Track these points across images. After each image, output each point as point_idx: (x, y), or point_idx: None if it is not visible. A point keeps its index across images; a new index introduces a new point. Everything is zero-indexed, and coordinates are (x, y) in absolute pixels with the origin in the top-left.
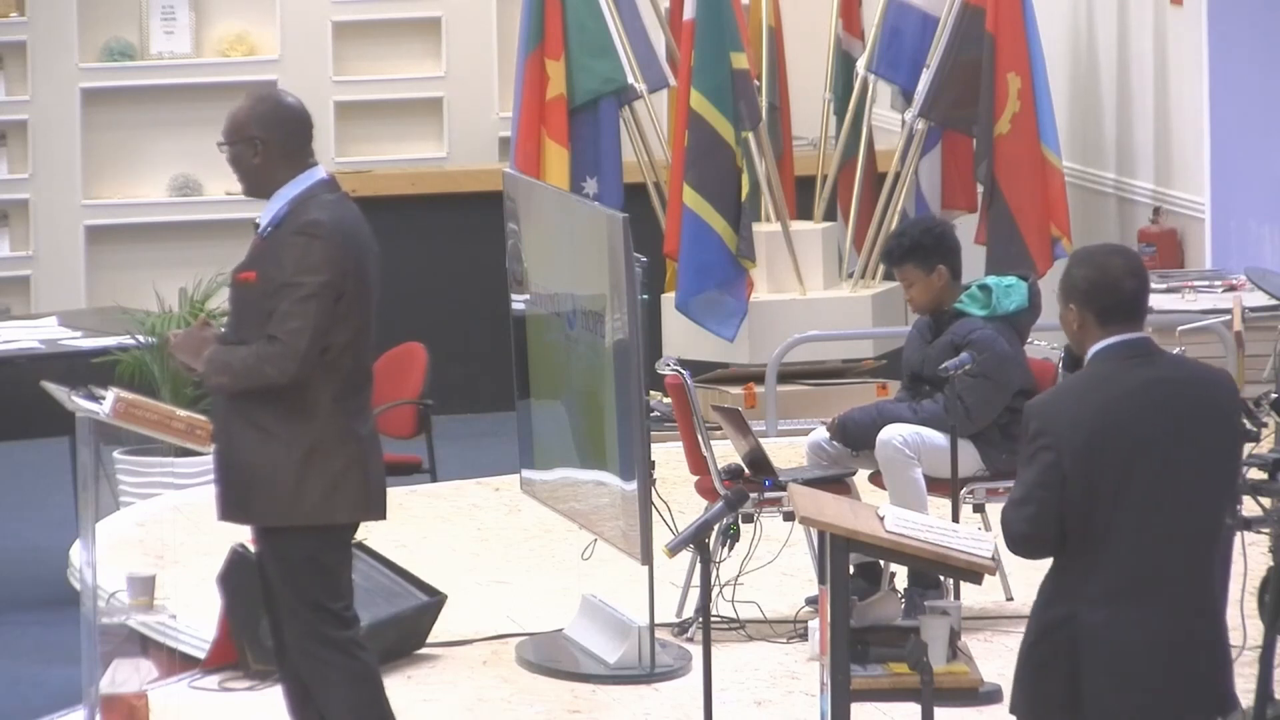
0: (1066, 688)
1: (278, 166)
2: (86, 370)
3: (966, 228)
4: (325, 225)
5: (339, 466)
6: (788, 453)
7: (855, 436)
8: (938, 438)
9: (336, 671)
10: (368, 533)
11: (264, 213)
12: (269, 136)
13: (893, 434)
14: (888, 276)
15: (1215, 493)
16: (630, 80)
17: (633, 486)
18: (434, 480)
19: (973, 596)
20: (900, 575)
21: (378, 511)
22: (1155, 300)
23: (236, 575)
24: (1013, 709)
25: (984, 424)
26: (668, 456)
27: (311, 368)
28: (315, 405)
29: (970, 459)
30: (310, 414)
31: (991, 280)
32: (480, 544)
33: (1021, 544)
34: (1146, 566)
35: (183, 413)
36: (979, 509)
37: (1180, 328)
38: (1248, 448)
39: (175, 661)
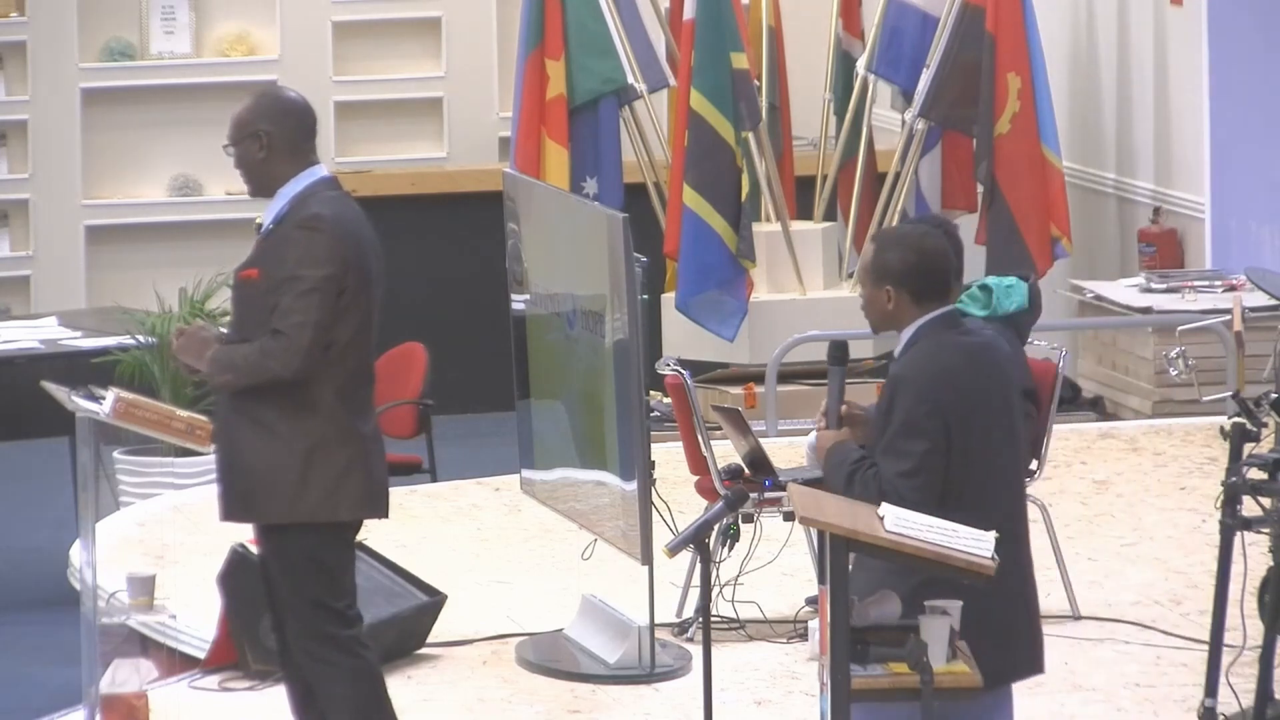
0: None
1: (283, 161)
2: (86, 370)
3: (966, 228)
4: (326, 219)
5: (341, 464)
6: (788, 453)
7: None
8: None
9: (338, 670)
10: (368, 533)
11: (266, 211)
12: (274, 129)
13: None
14: None
15: (1022, 444)
16: (630, 80)
17: (633, 486)
18: (434, 480)
19: None
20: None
21: (380, 509)
22: (1155, 300)
23: (236, 575)
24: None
25: None
26: (668, 456)
27: (315, 362)
28: (318, 402)
29: None
30: (312, 411)
31: (992, 280)
32: (480, 544)
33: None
34: (1006, 517)
35: (183, 413)
36: None
37: (1180, 328)
38: (1248, 448)
39: (175, 661)
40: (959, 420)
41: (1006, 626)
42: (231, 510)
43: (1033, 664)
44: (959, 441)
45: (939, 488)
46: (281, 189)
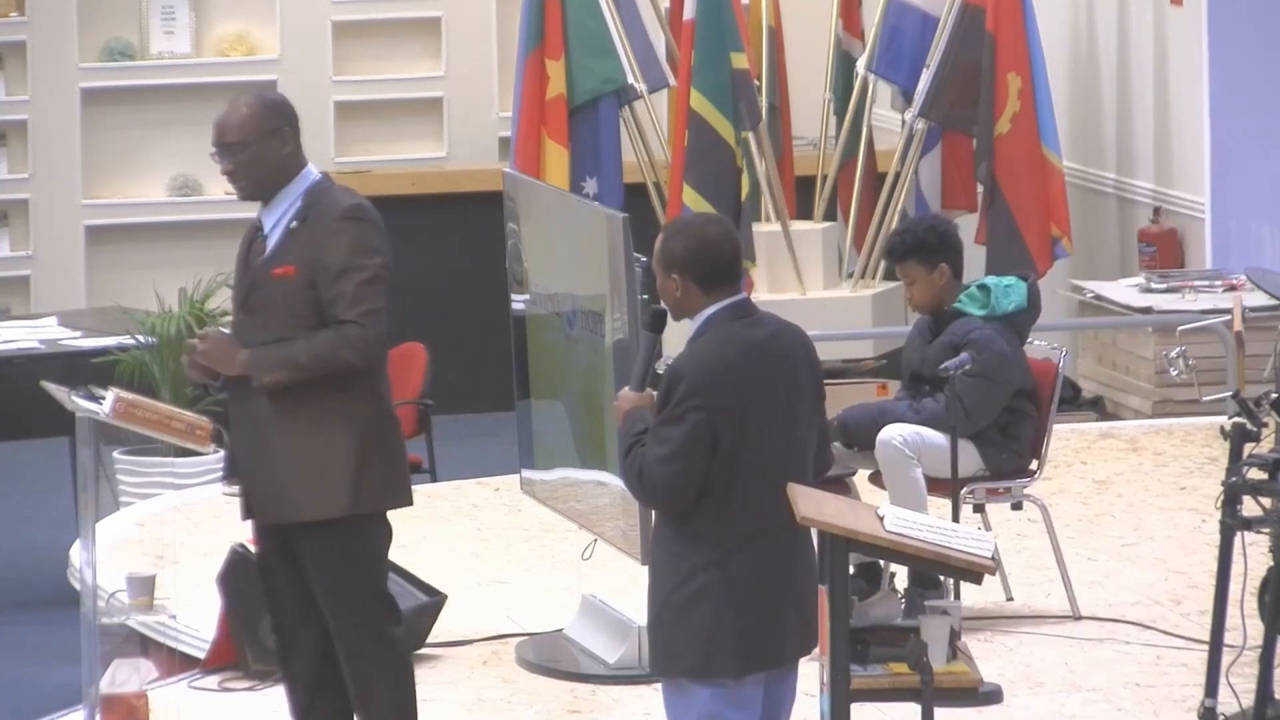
0: (711, 624)
1: (296, 158)
2: (86, 370)
3: (966, 228)
4: (369, 209)
5: (392, 450)
6: None
7: (855, 435)
8: (938, 438)
9: (388, 670)
10: None
11: (271, 210)
12: (289, 127)
13: (893, 434)
14: (888, 276)
15: (812, 437)
16: (630, 80)
17: None
18: (434, 480)
19: (973, 596)
20: (900, 575)
21: (410, 494)
22: (1155, 300)
23: (236, 575)
24: (665, 654)
25: (983, 424)
26: None
27: (383, 350)
28: (364, 392)
29: (970, 459)
30: (360, 401)
31: (991, 280)
32: (480, 544)
33: (664, 497)
34: (775, 509)
35: (183, 413)
36: (979, 509)
37: (1180, 328)
38: (1248, 448)
39: (175, 661)
40: (729, 415)
41: (772, 616)
42: (273, 509)
43: (801, 648)
44: (728, 435)
45: (696, 478)
46: (287, 187)
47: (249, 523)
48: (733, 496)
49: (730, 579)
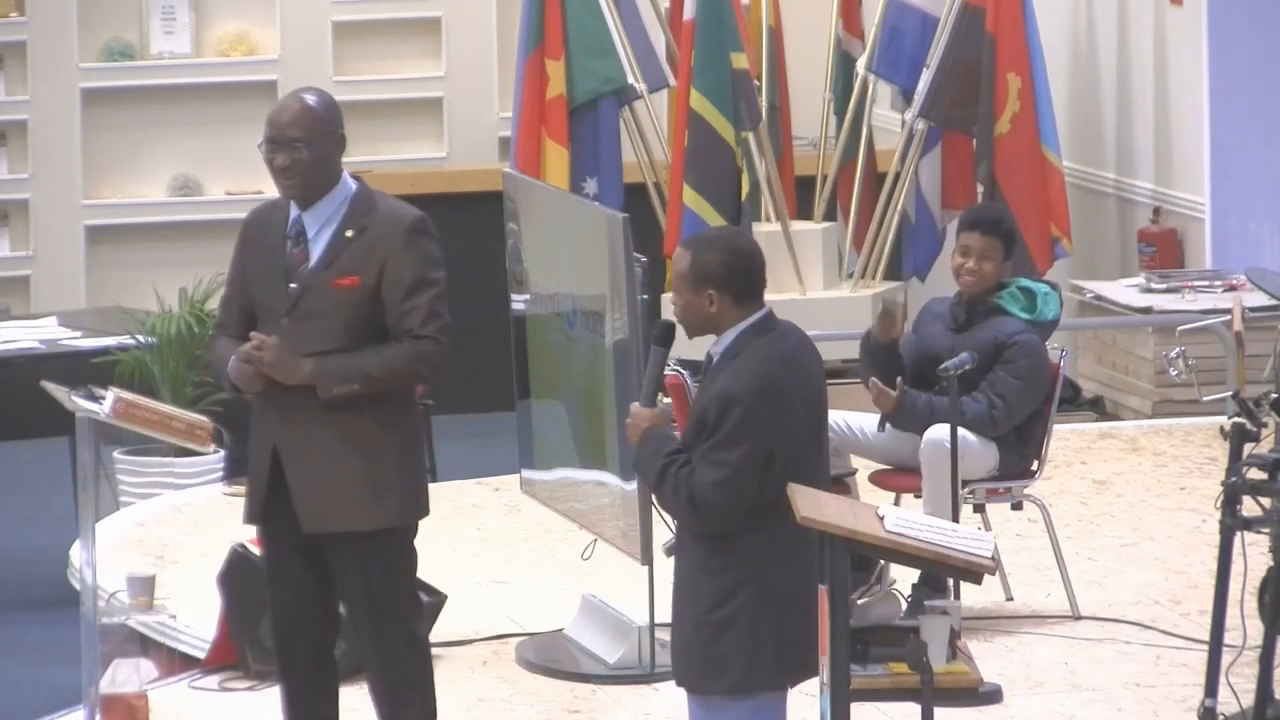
0: (754, 639)
1: (340, 160)
2: (86, 370)
3: None
4: (430, 222)
5: (425, 459)
6: None
7: (909, 420)
8: (975, 440)
9: (418, 672)
10: None
11: (313, 215)
12: (343, 129)
13: (943, 435)
14: (888, 276)
15: (826, 445)
16: (630, 80)
17: (633, 486)
18: (434, 480)
19: (973, 596)
20: (893, 570)
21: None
22: (1155, 300)
23: (236, 575)
24: (705, 673)
25: (1011, 427)
26: None
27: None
28: (407, 402)
29: (990, 460)
30: (406, 411)
31: (1027, 283)
32: (480, 544)
33: (720, 522)
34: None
35: (183, 413)
36: (979, 509)
37: (1180, 328)
38: (1248, 448)
39: (175, 661)
40: (782, 433)
41: (806, 624)
42: (328, 520)
43: (813, 667)
44: (780, 453)
45: (748, 499)
46: (331, 191)
47: (250, 525)
48: (777, 509)
49: (771, 591)
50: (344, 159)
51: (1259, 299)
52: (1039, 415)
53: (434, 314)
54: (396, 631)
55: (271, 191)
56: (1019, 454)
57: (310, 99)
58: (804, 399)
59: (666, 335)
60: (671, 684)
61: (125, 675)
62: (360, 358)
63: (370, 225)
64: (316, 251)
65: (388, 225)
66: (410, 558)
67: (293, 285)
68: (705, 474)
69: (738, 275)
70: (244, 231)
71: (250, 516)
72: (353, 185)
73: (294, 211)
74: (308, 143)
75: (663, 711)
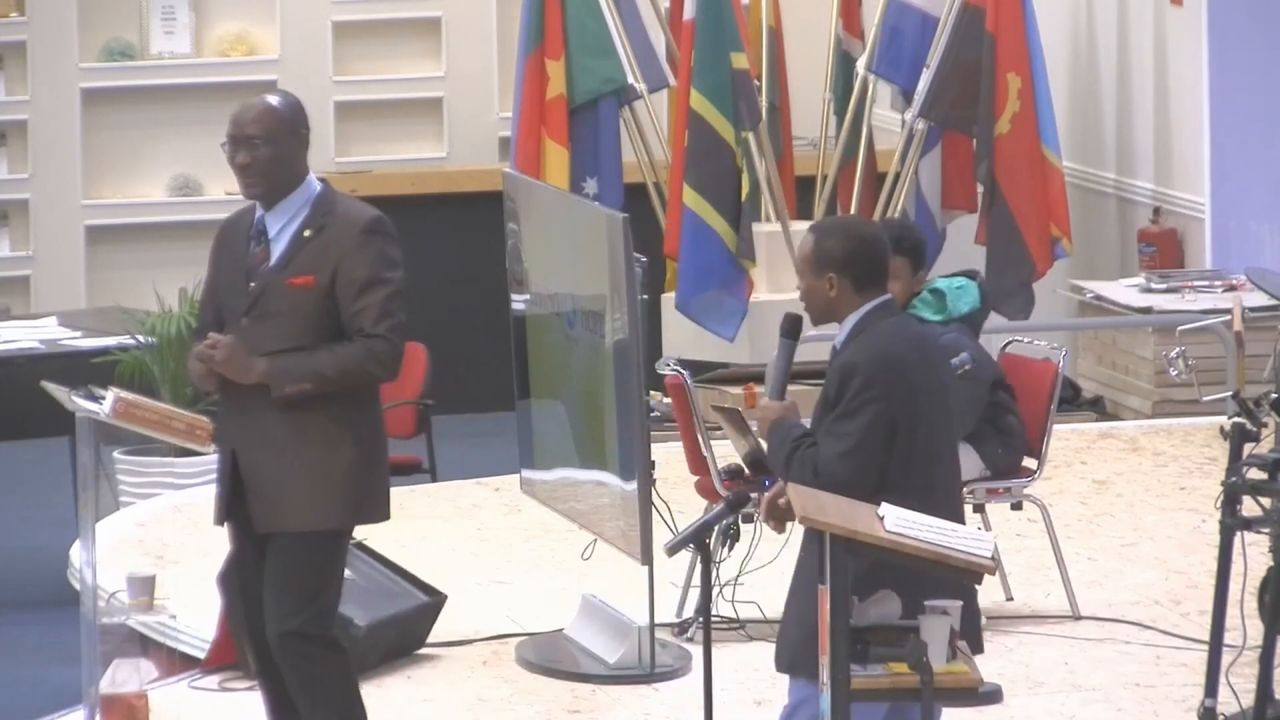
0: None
1: (306, 159)
2: (86, 370)
3: (967, 228)
4: (388, 222)
5: (385, 463)
6: None
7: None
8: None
9: (331, 670)
10: (368, 533)
11: (275, 216)
12: (307, 129)
13: None
14: None
15: (956, 433)
16: (630, 80)
17: (633, 486)
18: (434, 480)
19: None
20: None
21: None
22: (1155, 300)
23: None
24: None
25: (972, 423)
26: (668, 456)
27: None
28: (367, 404)
29: (971, 462)
30: (364, 411)
31: (942, 283)
32: (480, 544)
33: (846, 492)
34: (946, 499)
35: (183, 412)
36: (979, 509)
37: (1180, 328)
38: (1248, 448)
39: (175, 661)
40: (906, 408)
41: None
42: (279, 519)
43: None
44: (905, 428)
45: (875, 473)
46: (294, 192)
47: (219, 525)
48: (909, 488)
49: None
50: (344, 159)
51: (1259, 299)
52: (1006, 405)
53: (386, 313)
54: (301, 628)
55: None
56: (1002, 445)
57: (273, 99)
58: (931, 379)
59: (794, 328)
60: (671, 684)
61: (125, 675)
62: (313, 357)
63: (328, 225)
64: (277, 251)
65: (344, 225)
66: (338, 563)
67: (252, 285)
68: (829, 447)
69: (858, 260)
70: (218, 235)
71: (219, 516)
72: (317, 186)
73: (259, 212)
74: (267, 140)
75: (663, 711)
